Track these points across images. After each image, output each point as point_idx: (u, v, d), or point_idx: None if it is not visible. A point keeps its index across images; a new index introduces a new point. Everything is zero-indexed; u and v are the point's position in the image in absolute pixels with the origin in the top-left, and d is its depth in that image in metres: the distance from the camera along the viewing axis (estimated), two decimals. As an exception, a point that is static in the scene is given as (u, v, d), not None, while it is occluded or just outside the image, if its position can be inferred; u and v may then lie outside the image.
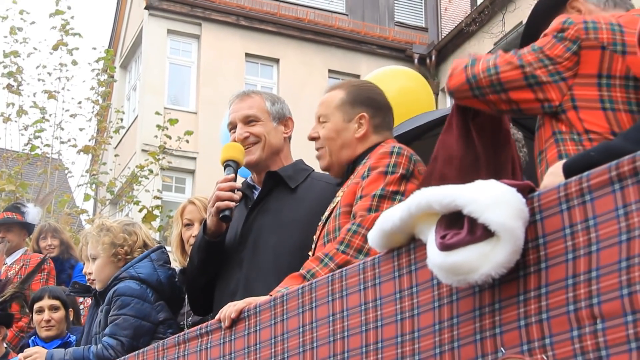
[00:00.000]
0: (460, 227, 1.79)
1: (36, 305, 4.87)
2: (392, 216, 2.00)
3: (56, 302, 4.84)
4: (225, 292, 3.12)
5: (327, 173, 3.14)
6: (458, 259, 1.76)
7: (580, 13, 2.49)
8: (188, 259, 3.40)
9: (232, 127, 3.33)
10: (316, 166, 3.40)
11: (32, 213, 6.43)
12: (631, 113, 2.19)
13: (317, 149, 2.96)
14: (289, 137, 3.39)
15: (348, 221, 2.66)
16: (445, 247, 1.79)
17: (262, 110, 3.30)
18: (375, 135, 2.90)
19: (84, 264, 4.09)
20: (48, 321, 4.77)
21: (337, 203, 2.76)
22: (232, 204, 3.07)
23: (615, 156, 1.68)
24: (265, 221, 3.16)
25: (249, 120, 3.28)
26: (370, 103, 2.93)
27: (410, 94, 5.43)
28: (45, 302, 4.82)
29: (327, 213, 2.82)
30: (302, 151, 3.48)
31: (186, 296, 3.71)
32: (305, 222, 3.06)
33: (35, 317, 4.87)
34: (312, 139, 2.97)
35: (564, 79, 2.23)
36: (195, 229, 3.73)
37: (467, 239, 1.75)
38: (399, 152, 2.71)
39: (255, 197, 3.25)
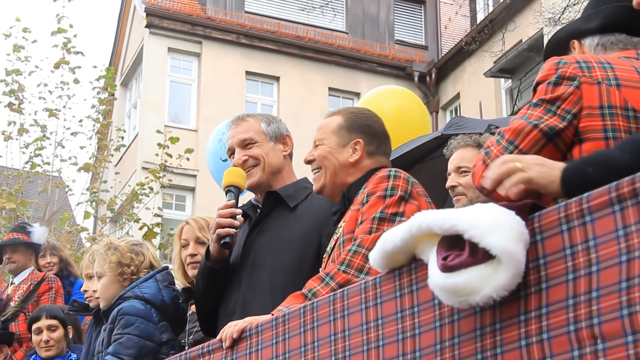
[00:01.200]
0: (461, 248, 1.80)
1: (34, 326, 4.85)
2: (393, 237, 2.01)
3: (54, 322, 4.80)
4: (225, 312, 3.14)
5: None
6: (460, 280, 1.77)
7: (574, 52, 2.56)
8: (195, 282, 3.41)
9: (231, 152, 3.37)
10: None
11: (38, 233, 6.45)
12: None
13: (313, 171, 2.99)
14: (290, 155, 3.41)
15: None
16: (447, 268, 1.80)
17: (258, 132, 3.33)
18: (370, 160, 2.93)
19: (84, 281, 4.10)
20: (47, 342, 4.74)
21: (340, 233, 2.78)
22: (233, 230, 3.08)
23: (613, 170, 1.70)
24: (264, 241, 3.18)
25: (246, 144, 3.31)
26: (367, 130, 2.96)
27: (405, 113, 5.48)
28: (43, 322, 4.79)
29: (331, 244, 2.84)
30: (303, 169, 3.50)
31: (188, 315, 3.73)
32: (302, 241, 3.08)
33: (34, 337, 4.86)
34: (307, 162, 3.00)
35: (574, 116, 2.23)
36: (191, 249, 3.75)
37: (469, 261, 1.76)
38: (396, 175, 2.74)
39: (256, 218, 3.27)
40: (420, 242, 1.95)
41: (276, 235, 3.17)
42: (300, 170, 3.42)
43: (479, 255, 1.75)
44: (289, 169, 3.38)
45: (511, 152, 2.19)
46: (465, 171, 3.57)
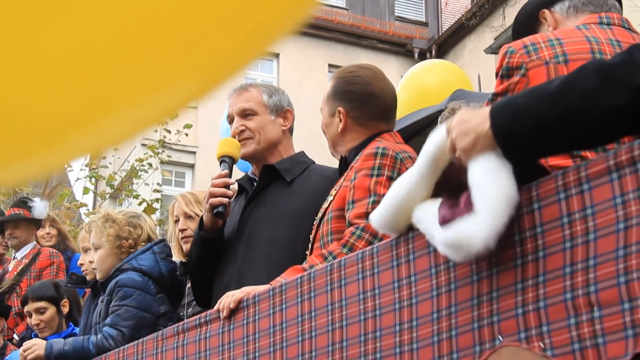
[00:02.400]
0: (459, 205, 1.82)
1: (24, 310, 4.78)
2: (405, 181, 2.01)
3: (41, 304, 4.63)
4: (220, 285, 3.14)
5: (323, 166, 3.16)
6: (456, 230, 1.78)
7: (547, 24, 2.55)
8: (189, 256, 3.41)
9: (230, 120, 3.35)
10: (318, 159, 3.41)
11: (39, 207, 6.45)
12: None
13: None
14: (291, 129, 3.39)
15: (340, 226, 2.66)
16: (444, 221, 1.81)
17: (259, 104, 3.31)
18: (361, 127, 2.87)
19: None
20: (37, 325, 4.67)
21: (330, 205, 2.76)
22: (225, 200, 3.08)
23: (542, 95, 1.72)
24: (260, 214, 3.17)
25: (245, 114, 3.29)
26: (346, 96, 2.89)
27: (450, 87, 5.44)
28: (30, 306, 4.65)
29: (320, 214, 2.82)
30: (303, 145, 3.49)
31: (186, 288, 3.74)
32: (299, 215, 3.07)
33: (28, 320, 4.81)
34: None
35: None
36: (180, 224, 3.76)
37: (463, 211, 1.78)
38: (384, 153, 2.67)
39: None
40: (419, 209, 1.95)
41: (272, 209, 3.16)
42: (298, 146, 3.41)
43: (472, 207, 1.77)
44: (287, 143, 3.36)
45: None
46: None
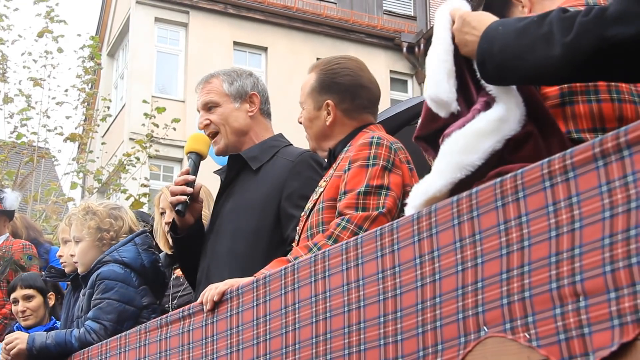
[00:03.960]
0: None
1: (11, 296, 4.81)
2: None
3: (29, 291, 4.70)
4: (197, 281, 3.13)
5: (294, 148, 3.12)
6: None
7: (521, 5, 2.46)
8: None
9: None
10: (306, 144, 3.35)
11: (10, 199, 6.35)
12: None
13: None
14: (264, 112, 3.30)
15: (331, 216, 2.62)
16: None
17: (220, 94, 3.24)
18: (350, 120, 2.82)
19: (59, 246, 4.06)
20: (23, 311, 4.70)
21: (321, 196, 2.71)
22: (184, 198, 3.03)
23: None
24: (229, 207, 3.13)
25: (208, 107, 3.24)
26: (335, 88, 2.82)
27: None
28: (18, 292, 4.71)
29: (309, 205, 2.77)
30: (291, 139, 3.42)
31: (170, 280, 3.70)
32: (262, 205, 3.01)
33: (13, 308, 4.81)
34: (299, 123, 2.94)
35: None
36: (167, 216, 3.73)
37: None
38: (379, 143, 2.63)
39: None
40: None
41: (239, 201, 3.10)
42: (289, 140, 3.35)
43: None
44: (258, 128, 3.27)
45: None
46: None
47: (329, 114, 2.82)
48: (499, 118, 1.99)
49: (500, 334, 1.72)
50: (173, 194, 3.05)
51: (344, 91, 2.82)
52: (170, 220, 3.67)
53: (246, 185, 3.12)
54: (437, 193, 1.99)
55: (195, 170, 3.13)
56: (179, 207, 3.04)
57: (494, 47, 1.96)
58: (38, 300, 4.74)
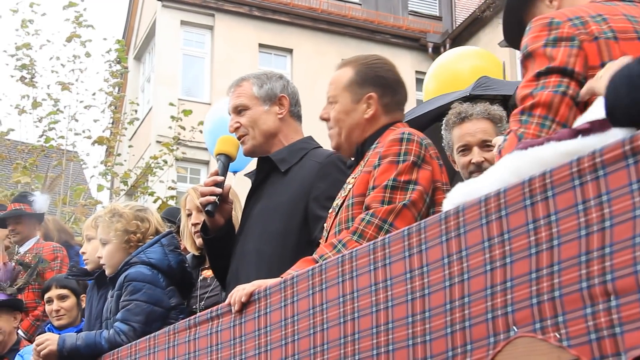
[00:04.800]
0: None
1: (45, 296, 4.88)
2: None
3: (64, 291, 4.82)
4: (226, 282, 3.15)
5: (323, 150, 3.11)
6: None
7: (548, 2, 2.39)
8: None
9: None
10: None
11: (40, 202, 6.43)
12: None
13: (329, 129, 2.92)
14: (295, 114, 3.31)
15: (361, 212, 2.62)
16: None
17: (250, 97, 3.25)
18: (385, 116, 2.83)
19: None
20: (57, 311, 4.77)
21: (350, 192, 2.72)
22: (213, 198, 3.06)
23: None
24: (257, 208, 3.14)
25: (238, 110, 3.25)
26: (379, 82, 2.84)
27: (482, 74, 5.36)
28: (53, 292, 4.82)
29: (339, 201, 2.78)
30: (319, 139, 3.42)
31: (198, 281, 3.72)
32: (289, 206, 3.01)
33: (47, 307, 4.88)
34: (322, 119, 2.92)
35: (585, 78, 2.10)
36: (193, 218, 3.75)
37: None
38: (409, 139, 2.64)
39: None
40: None
41: (267, 203, 3.12)
42: (321, 139, 3.34)
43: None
44: (288, 130, 3.27)
45: (549, 128, 2.07)
46: (489, 145, 3.26)
47: (368, 107, 2.82)
48: (570, 152, 1.81)
49: (530, 334, 1.71)
50: (202, 194, 3.07)
51: (387, 85, 2.85)
52: (197, 221, 3.69)
53: (274, 187, 3.14)
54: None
55: (224, 171, 3.15)
56: (208, 208, 3.05)
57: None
58: (72, 300, 4.85)
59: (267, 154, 3.21)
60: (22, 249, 6.22)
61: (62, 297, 4.81)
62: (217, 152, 3.20)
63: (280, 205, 3.05)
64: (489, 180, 1.94)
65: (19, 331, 5.61)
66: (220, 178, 3.11)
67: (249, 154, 3.27)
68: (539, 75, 2.14)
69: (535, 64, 2.16)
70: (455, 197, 1.99)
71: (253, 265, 2.92)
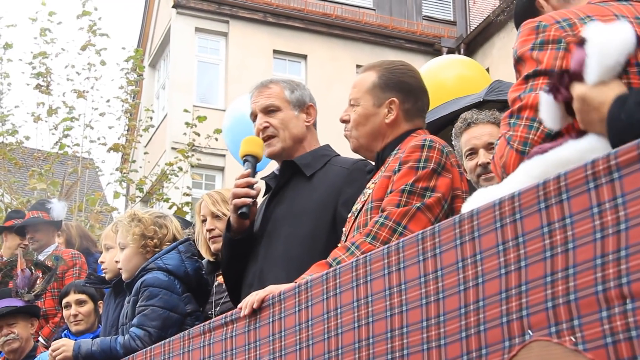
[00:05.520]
0: None
1: (64, 301, 4.90)
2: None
3: (82, 297, 4.85)
4: (245, 284, 3.13)
5: (346, 157, 3.11)
6: None
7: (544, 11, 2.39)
8: (220, 254, 3.39)
9: (253, 118, 3.31)
10: (346, 153, 3.35)
11: (57, 209, 6.46)
12: None
13: (347, 131, 2.92)
14: (314, 124, 3.35)
15: None
16: None
17: (282, 99, 3.26)
18: (406, 122, 2.84)
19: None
20: (75, 315, 4.79)
21: (369, 196, 2.72)
22: (249, 200, 3.04)
23: None
24: (281, 212, 3.13)
25: (268, 110, 3.25)
26: (402, 87, 2.84)
27: (468, 83, 5.34)
28: (72, 297, 4.84)
29: (358, 206, 2.78)
30: (334, 145, 3.44)
31: (213, 287, 3.72)
32: (317, 210, 3.02)
33: (64, 312, 4.90)
34: (343, 121, 2.93)
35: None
36: (208, 224, 3.73)
37: None
38: (431, 146, 2.64)
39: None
40: None
41: (292, 206, 3.12)
42: (335, 146, 3.36)
43: None
44: (311, 138, 3.31)
45: (537, 129, 2.07)
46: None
47: (389, 112, 2.82)
48: (588, 149, 1.88)
49: (546, 338, 1.70)
50: (236, 195, 3.05)
51: (410, 91, 2.85)
52: (212, 227, 3.70)
53: (298, 191, 3.14)
54: None
55: (254, 173, 3.13)
56: (243, 210, 3.04)
57: (625, 137, 1.75)
58: (89, 306, 4.87)
59: (289, 158, 3.22)
60: (41, 256, 6.25)
61: (80, 302, 4.84)
62: (244, 154, 3.17)
63: (307, 209, 3.06)
64: (509, 185, 1.95)
65: (40, 338, 5.64)
66: (254, 180, 3.10)
67: (274, 156, 3.26)
68: (527, 78, 2.15)
69: (525, 68, 2.17)
70: (475, 203, 1.99)
71: (282, 268, 2.90)
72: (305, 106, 3.30)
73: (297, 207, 3.10)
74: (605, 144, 1.86)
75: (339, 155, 3.29)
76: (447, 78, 5.95)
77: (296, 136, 3.25)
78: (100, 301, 4.90)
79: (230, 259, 3.22)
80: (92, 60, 12.41)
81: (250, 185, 3.07)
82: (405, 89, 2.84)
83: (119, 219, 3.79)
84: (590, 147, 1.87)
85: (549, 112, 1.98)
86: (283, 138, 3.23)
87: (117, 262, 3.73)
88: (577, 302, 1.65)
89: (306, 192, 3.12)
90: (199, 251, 3.81)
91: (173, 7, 18.44)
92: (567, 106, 1.96)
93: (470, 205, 2.02)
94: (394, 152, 2.75)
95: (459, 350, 1.88)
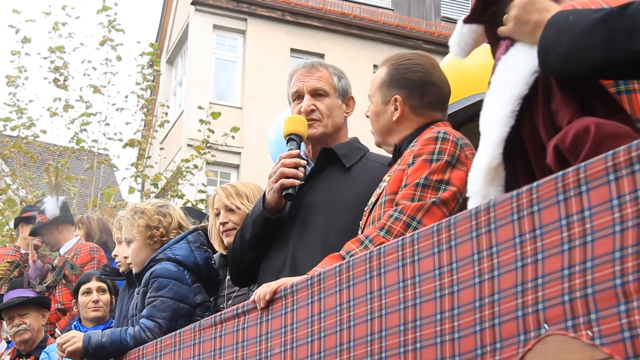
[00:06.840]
0: None
1: (83, 287, 4.92)
2: None
3: (103, 285, 4.90)
4: (272, 268, 3.05)
5: (381, 154, 3.09)
6: None
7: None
8: (239, 232, 3.29)
9: (298, 96, 3.23)
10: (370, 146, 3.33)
11: (50, 208, 6.46)
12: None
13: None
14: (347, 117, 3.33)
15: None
16: None
17: (331, 85, 3.23)
18: (418, 117, 2.80)
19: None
20: (96, 302, 4.82)
21: (384, 190, 2.70)
22: (297, 182, 2.99)
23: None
24: (316, 199, 3.07)
25: (317, 93, 3.20)
26: (405, 84, 2.80)
27: (490, 70, 5.30)
28: (93, 284, 4.89)
29: (373, 199, 2.76)
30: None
31: (226, 280, 3.69)
32: (356, 203, 2.96)
33: (82, 299, 4.91)
34: (367, 117, 2.92)
35: None
36: (221, 217, 3.69)
37: None
38: (445, 138, 2.61)
39: (307, 172, 3.14)
40: None
41: (329, 195, 3.07)
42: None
43: None
44: (346, 130, 3.30)
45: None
46: None
47: (396, 109, 2.80)
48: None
49: (562, 332, 1.67)
50: (284, 175, 2.97)
51: (414, 87, 2.81)
52: (225, 220, 3.66)
53: (336, 180, 3.10)
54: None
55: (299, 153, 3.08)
56: (290, 191, 2.98)
57: (563, 36, 1.89)
58: (108, 296, 4.91)
59: (324, 145, 3.17)
60: (62, 250, 6.27)
61: (101, 290, 4.88)
62: (289, 132, 3.09)
63: (347, 200, 3.02)
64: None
65: (57, 330, 5.66)
66: (302, 162, 3.04)
67: (314, 139, 3.20)
68: None
69: None
70: (474, 184, 2.08)
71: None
72: (347, 97, 3.28)
73: (335, 197, 3.05)
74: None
75: (369, 150, 3.27)
76: (469, 65, 5.90)
77: (337, 125, 3.22)
78: (115, 296, 4.92)
79: (258, 236, 3.13)
80: (110, 56, 12.45)
81: (297, 166, 3.02)
82: (410, 86, 2.80)
83: (121, 214, 3.75)
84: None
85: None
86: (326, 124, 3.19)
87: (125, 257, 3.72)
88: (595, 296, 1.61)
89: (345, 183, 3.08)
90: (208, 241, 3.77)
91: (191, 4, 18.49)
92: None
93: (470, 185, 2.13)
94: (411, 144, 2.72)
95: (473, 344, 1.85)
